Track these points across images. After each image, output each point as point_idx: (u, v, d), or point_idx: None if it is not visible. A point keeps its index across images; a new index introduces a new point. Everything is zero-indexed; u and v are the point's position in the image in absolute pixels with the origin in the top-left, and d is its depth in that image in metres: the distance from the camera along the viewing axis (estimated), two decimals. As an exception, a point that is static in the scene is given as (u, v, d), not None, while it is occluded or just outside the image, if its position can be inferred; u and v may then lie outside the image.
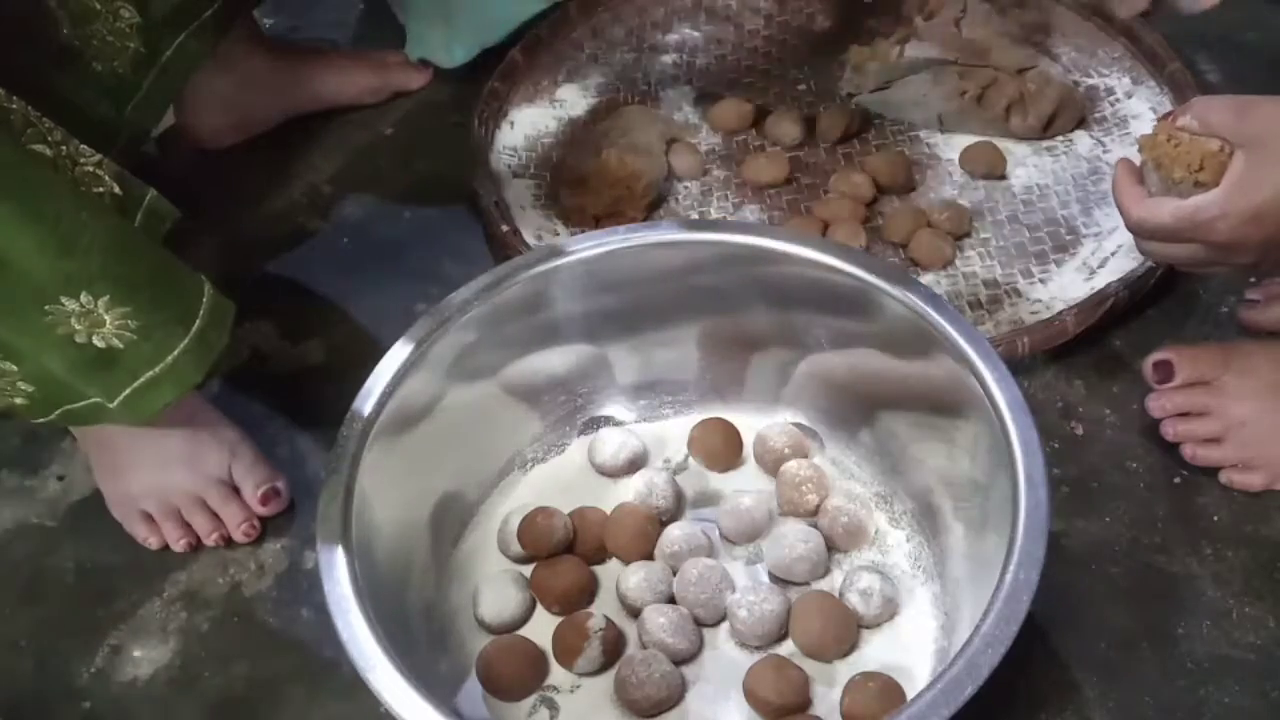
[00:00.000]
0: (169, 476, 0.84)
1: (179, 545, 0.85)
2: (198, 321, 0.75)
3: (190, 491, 0.84)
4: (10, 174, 0.65)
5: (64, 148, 0.72)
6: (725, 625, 0.73)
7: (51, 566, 0.86)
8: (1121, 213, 0.77)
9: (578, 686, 0.72)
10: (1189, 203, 0.71)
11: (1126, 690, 0.73)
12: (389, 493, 0.71)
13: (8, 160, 0.65)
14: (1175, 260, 0.76)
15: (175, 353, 0.75)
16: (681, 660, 0.72)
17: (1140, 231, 0.76)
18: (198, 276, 0.77)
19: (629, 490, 0.78)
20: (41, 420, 0.78)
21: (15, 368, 0.73)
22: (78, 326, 0.71)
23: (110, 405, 0.76)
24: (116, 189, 0.76)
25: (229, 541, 0.85)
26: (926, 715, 0.56)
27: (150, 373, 0.75)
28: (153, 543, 0.85)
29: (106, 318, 0.71)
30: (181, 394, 0.77)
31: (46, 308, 0.69)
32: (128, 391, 0.75)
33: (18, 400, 0.76)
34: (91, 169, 0.74)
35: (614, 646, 0.72)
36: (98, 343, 0.72)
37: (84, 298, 0.70)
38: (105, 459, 0.86)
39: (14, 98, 0.69)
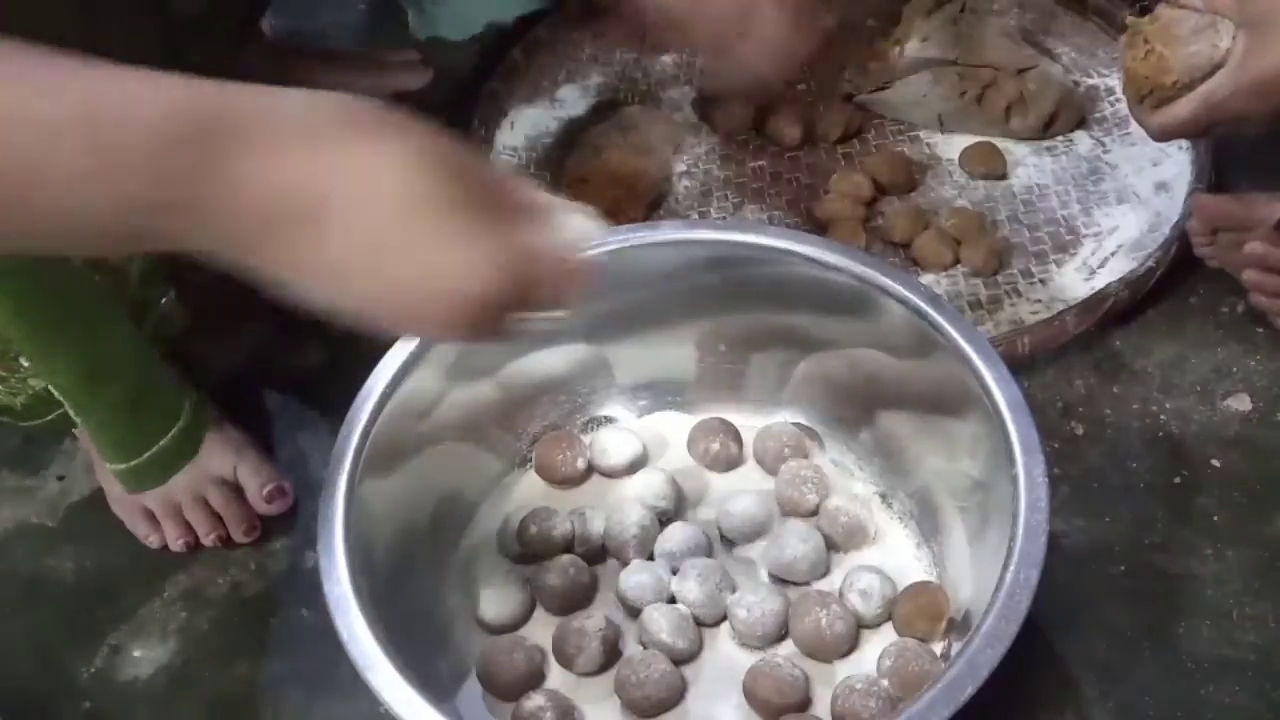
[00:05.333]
0: (172, 473, 0.84)
1: (177, 545, 0.85)
2: (139, 460, 0.79)
3: (193, 490, 0.84)
4: (25, 271, 0.67)
5: None
6: (725, 625, 0.73)
7: (51, 566, 0.86)
8: (1145, 129, 0.84)
9: (578, 687, 0.72)
10: (1198, 92, 0.77)
11: (1126, 690, 0.73)
12: (389, 493, 0.71)
13: (24, 259, 0.67)
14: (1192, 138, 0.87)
15: (113, 465, 0.79)
16: (681, 660, 0.72)
17: (1166, 137, 0.84)
18: (169, 417, 0.79)
19: (629, 490, 0.78)
20: (36, 422, 0.79)
21: (29, 364, 0.74)
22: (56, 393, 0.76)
23: None
24: (139, 286, 0.78)
25: (226, 541, 0.85)
26: (926, 715, 0.56)
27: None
28: (153, 541, 0.85)
29: (70, 409, 0.76)
30: (122, 485, 0.82)
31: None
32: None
33: (21, 399, 0.76)
34: (118, 262, 0.76)
35: (614, 646, 0.72)
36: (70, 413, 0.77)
37: (53, 389, 0.74)
38: None
39: None
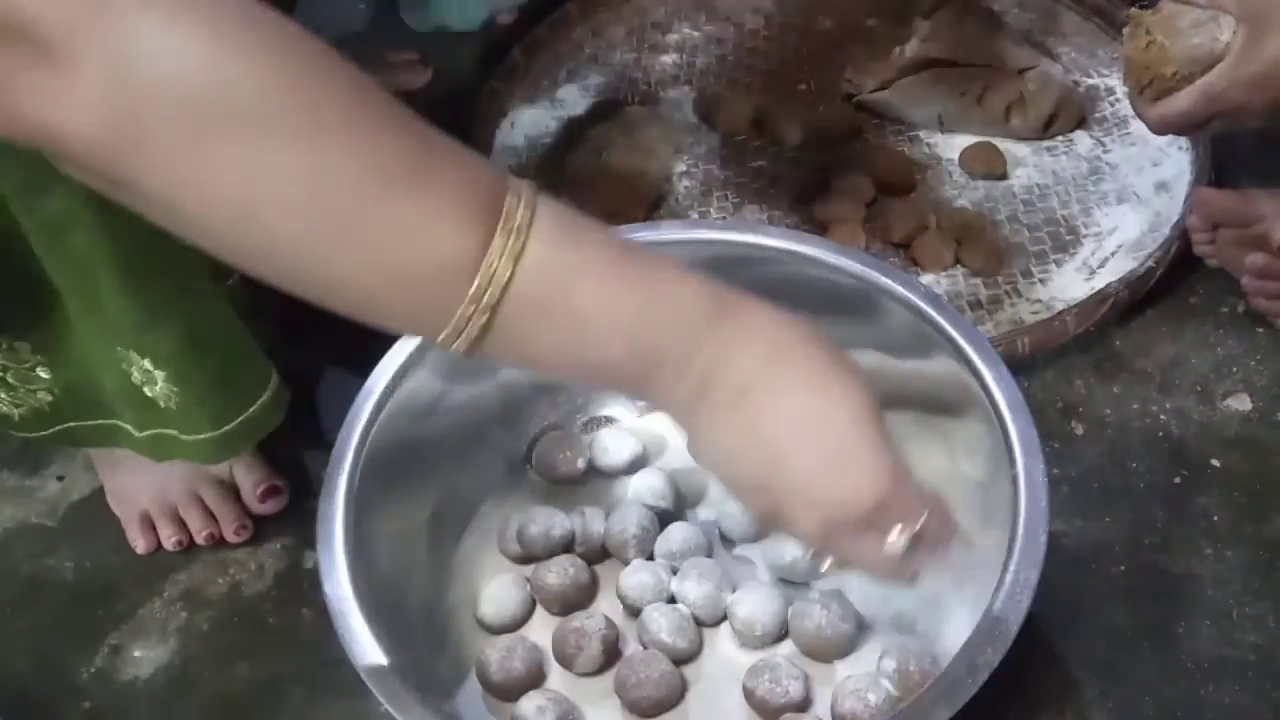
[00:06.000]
0: (169, 473, 0.84)
1: (170, 543, 0.85)
2: (231, 425, 0.77)
3: (188, 489, 0.85)
4: (139, 245, 0.66)
5: None
6: (725, 625, 0.73)
7: (51, 566, 0.86)
8: (1144, 121, 0.84)
9: (578, 687, 0.72)
10: (1197, 84, 0.78)
11: (1126, 690, 0.73)
12: (389, 493, 0.71)
13: (140, 232, 0.66)
14: (1190, 132, 0.87)
15: (200, 436, 0.77)
16: (681, 660, 0.72)
17: (1165, 128, 0.83)
18: (261, 383, 0.78)
19: (629, 490, 0.78)
20: (30, 435, 0.79)
21: (48, 376, 0.75)
22: (136, 375, 0.73)
23: (136, 434, 0.78)
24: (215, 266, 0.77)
25: (220, 540, 0.85)
26: (926, 715, 0.56)
27: (177, 433, 0.77)
28: (140, 545, 0.85)
29: (159, 385, 0.73)
30: (196, 461, 0.80)
31: (118, 349, 0.72)
32: (153, 432, 0.78)
33: (21, 410, 0.76)
34: None
35: (614, 646, 0.72)
36: (147, 392, 0.74)
37: (147, 363, 0.72)
38: (107, 454, 0.86)
39: None
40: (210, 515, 0.85)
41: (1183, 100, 0.80)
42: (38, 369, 0.74)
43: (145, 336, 0.70)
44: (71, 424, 0.79)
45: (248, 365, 0.78)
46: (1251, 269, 0.83)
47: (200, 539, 0.85)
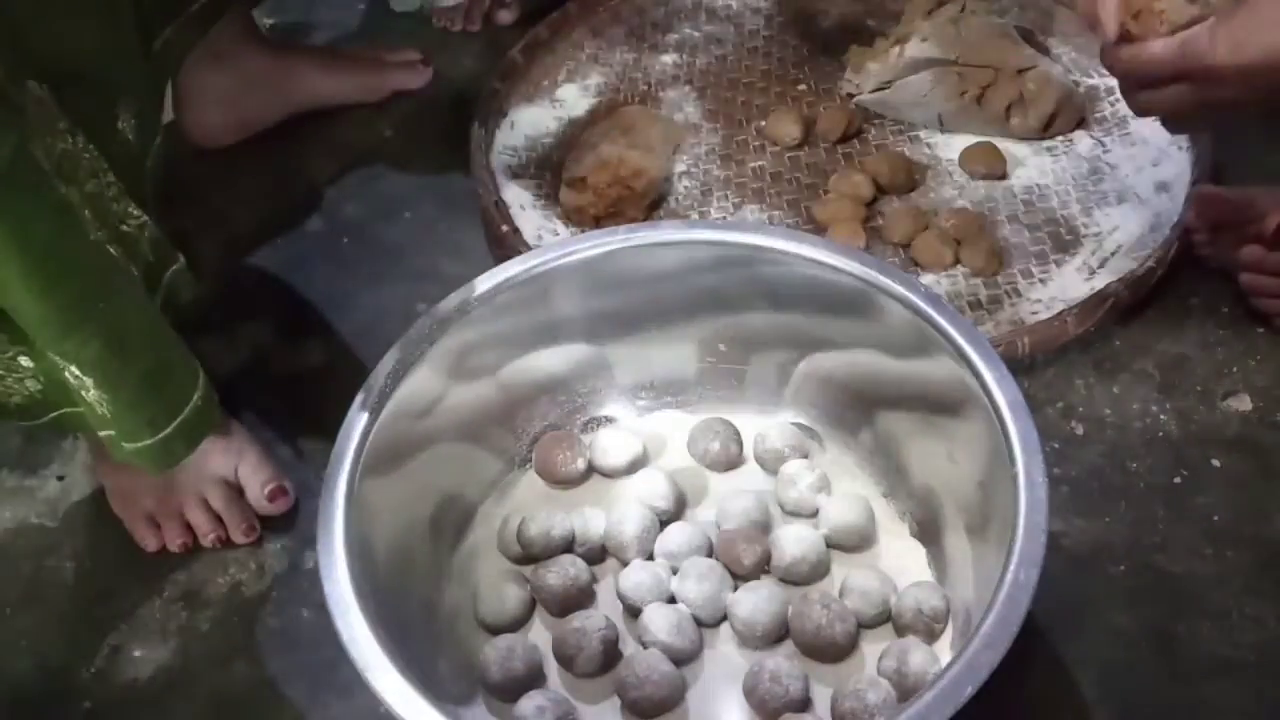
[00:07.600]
0: (172, 474, 0.84)
1: (175, 545, 0.85)
2: (168, 430, 0.77)
3: (193, 490, 0.84)
4: (48, 247, 0.66)
5: (115, 205, 0.75)
6: (725, 625, 0.73)
7: (51, 566, 0.86)
8: (1108, 60, 0.77)
9: (578, 687, 0.72)
10: (1177, 36, 0.72)
11: (1126, 690, 0.73)
12: (389, 493, 0.71)
13: (47, 233, 0.67)
14: (1162, 109, 0.78)
15: (139, 444, 0.77)
16: (681, 660, 0.72)
17: (1130, 73, 0.77)
18: (189, 385, 0.79)
19: (629, 490, 0.78)
20: (34, 423, 0.79)
21: (30, 364, 0.74)
22: (70, 379, 0.73)
23: (100, 433, 0.78)
24: (151, 256, 0.78)
25: (225, 542, 0.85)
26: (926, 715, 0.56)
27: (119, 439, 0.77)
28: (150, 545, 0.85)
29: (91, 391, 0.73)
30: (146, 469, 0.80)
31: (50, 355, 0.72)
32: (105, 434, 0.77)
33: (16, 399, 0.76)
34: (132, 230, 0.76)
35: (614, 646, 0.72)
36: (86, 396, 0.74)
37: (74, 370, 0.72)
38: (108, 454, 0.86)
39: (86, 143, 0.71)
40: (216, 517, 0.85)
41: (1158, 46, 0.74)
42: (19, 358, 0.74)
43: (66, 343, 0.70)
44: (65, 410, 0.78)
45: (175, 367, 0.78)
46: (1247, 261, 0.83)
47: (207, 542, 0.85)
